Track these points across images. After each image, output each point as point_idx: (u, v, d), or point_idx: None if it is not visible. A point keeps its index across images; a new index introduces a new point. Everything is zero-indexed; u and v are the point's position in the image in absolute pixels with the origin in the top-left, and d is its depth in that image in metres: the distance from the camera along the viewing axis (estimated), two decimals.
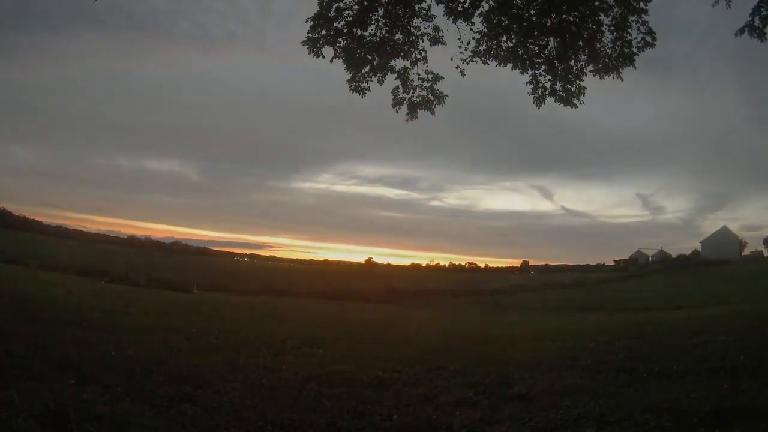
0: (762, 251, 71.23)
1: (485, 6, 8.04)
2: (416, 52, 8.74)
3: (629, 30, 7.78)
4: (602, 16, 7.80)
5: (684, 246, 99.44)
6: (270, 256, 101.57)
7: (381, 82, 8.79)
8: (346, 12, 8.16)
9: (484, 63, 8.37)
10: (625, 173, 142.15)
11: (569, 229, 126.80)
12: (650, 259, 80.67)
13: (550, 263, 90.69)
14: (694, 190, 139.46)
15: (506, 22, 8.13)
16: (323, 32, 8.18)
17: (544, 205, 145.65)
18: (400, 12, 8.44)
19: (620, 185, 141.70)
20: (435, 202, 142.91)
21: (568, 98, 8.50)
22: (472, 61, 8.41)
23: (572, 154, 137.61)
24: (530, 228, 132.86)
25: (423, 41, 8.66)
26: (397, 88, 8.95)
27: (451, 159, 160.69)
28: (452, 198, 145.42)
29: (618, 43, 7.91)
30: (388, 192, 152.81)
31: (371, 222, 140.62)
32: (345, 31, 8.24)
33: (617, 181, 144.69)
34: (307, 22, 8.13)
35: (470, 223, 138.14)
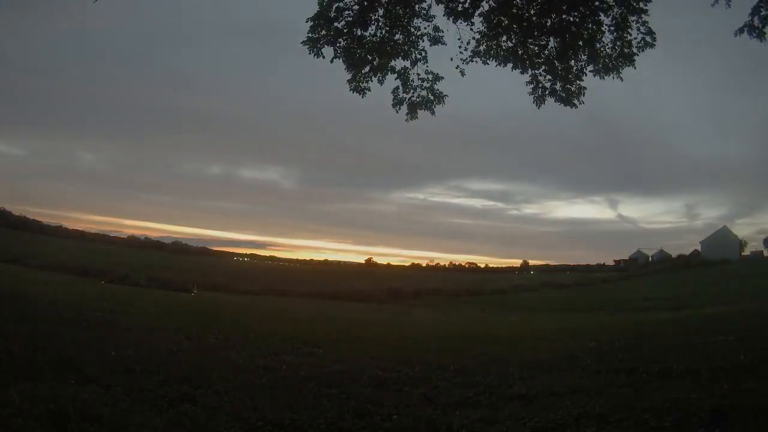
0: (762, 251, 71.38)
1: (485, 6, 8.05)
2: (416, 52, 8.74)
3: (629, 30, 7.79)
4: (602, 16, 7.80)
5: (685, 246, 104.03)
6: (270, 256, 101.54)
7: (381, 82, 8.80)
8: (346, 12, 8.16)
9: (484, 63, 8.38)
10: (686, 188, 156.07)
11: (610, 233, 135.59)
12: (650, 259, 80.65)
13: (550, 263, 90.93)
14: (731, 201, 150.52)
15: (506, 22, 8.14)
16: (323, 32, 8.18)
17: (606, 214, 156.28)
18: (400, 12, 8.45)
19: (675, 197, 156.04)
20: (513, 212, 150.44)
21: (568, 98, 8.51)
22: (472, 61, 8.42)
23: (651, 173, 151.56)
24: (579, 232, 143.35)
25: (423, 41, 8.67)
26: (397, 88, 8.96)
27: (552, 177, 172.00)
28: (533, 208, 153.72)
29: (618, 43, 7.91)
30: (478, 203, 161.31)
31: (443, 228, 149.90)
32: (345, 31, 8.24)
33: (675, 195, 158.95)
34: (307, 22, 8.13)
35: (531, 228, 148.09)
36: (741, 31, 7.78)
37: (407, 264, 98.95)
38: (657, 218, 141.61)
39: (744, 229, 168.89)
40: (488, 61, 8.38)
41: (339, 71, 8.58)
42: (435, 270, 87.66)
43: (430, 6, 8.38)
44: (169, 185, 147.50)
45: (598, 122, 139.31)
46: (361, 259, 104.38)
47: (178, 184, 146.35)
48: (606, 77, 8.20)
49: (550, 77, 8.49)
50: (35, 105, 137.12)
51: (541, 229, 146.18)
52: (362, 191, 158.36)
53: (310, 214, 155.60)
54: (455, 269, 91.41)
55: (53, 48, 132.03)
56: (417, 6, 8.42)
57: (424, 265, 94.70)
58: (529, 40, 8.25)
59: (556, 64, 8.34)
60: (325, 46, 8.25)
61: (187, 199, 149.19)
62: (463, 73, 8.48)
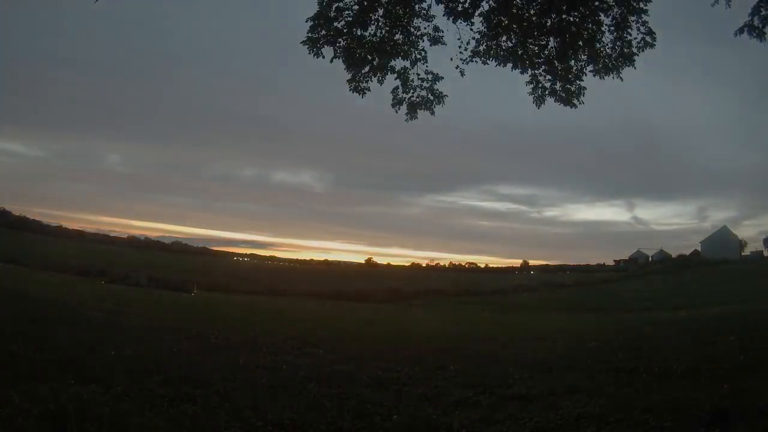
0: (762, 251, 71.37)
1: (485, 6, 8.05)
2: (416, 52, 8.73)
3: (629, 30, 7.79)
4: (602, 16, 7.80)
5: (686, 246, 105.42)
6: (270, 256, 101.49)
7: (381, 82, 8.79)
8: (346, 12, 8.15)
9: (484, 63, 8.38)
10: (702, 194, 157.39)
11: (622, 234, 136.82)
12: (650, 259, 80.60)
13: (550, 263, 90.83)
14: (741, 204, 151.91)
15: (506, 22, 8.13)
16: (323, 32, 8.18)
17: (621, 216, 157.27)
18: (400, 12, 8.44)
19: (690, 201, 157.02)
20: (533, 214, 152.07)
21: (568, 98, 8.50)
22: (472, 61, 8.42)
23: (670, 178, 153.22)
24: (591, 234, 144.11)
25: (423, 41, 8.66)
26: (397, 88, 8.95)
27: (578, 182, 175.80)
28: (554, 211, 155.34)
29: (618, 43, 7.91)
30: (503, 206, 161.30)
31: (459, 229, 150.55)
32: (345, 31, 8.24)
33: (689, 198, 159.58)
34: (307, 22, 8.13)
35: (546, 230, 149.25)
36: (741, 31, 7.79)
37: (407, 264, 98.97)
38: (669, 220, 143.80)
39: (748, 230, 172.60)
40: (488, 61, 8.37)
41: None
42: (435, 270, 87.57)
43: (430, 6, 8.37)
44: (178, 186, 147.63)
45: (628, 129, 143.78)
46: (362, 259, 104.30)
47: (195, 186, 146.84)
48: (606, 77, 8.20)
49: (550, 77, 8.49)
50: (55, 103, 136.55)
51: (555, 231, 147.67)
52: (397, 195, 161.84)
53: (332, 216, 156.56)
54: (455, 269, 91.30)
55: (58, 42, 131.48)
56: (417, 6, 8.41)
57: (424, 265, 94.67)
58: (529, 40, 8.25)
59: (556, 64, 8.34)
60: (325, 46, 8.25)
61: (196, 200, 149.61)
62: (462, 73, 8.48)
